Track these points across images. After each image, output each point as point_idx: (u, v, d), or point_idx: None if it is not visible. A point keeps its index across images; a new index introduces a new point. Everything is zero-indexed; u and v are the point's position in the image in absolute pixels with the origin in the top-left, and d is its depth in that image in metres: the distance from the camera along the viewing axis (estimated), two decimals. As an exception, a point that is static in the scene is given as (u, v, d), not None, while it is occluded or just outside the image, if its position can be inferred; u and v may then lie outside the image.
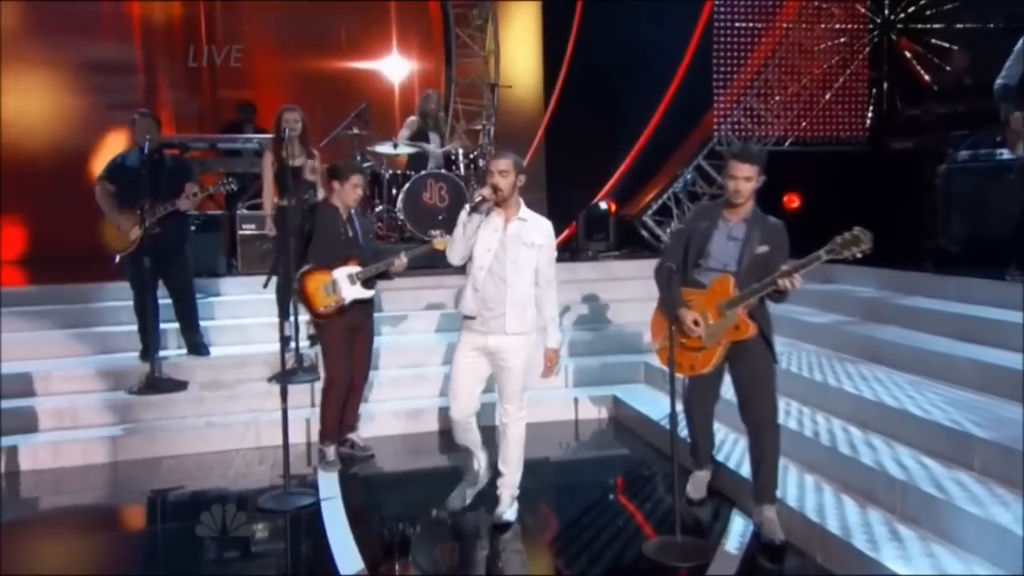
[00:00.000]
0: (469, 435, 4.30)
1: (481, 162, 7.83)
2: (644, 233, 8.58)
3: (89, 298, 6.99)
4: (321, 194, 6.30)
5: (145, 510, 4.89)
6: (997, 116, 6.35)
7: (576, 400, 6.07)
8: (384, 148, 7.74)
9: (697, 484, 4.42)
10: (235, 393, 5.87)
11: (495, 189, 3.91)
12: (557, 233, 4.39)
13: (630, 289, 7.54)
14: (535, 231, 4.03)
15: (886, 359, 5.11)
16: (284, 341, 5.73)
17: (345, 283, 4.90)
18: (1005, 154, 6.18)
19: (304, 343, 6.13)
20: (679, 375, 3.95)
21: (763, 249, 3.83)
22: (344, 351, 5.02)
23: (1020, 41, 5.38)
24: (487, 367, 4.10)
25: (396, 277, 5.15)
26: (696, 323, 3.84)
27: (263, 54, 10.18)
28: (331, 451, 5.05)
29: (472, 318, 4.03)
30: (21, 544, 4.22)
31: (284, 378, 4.68)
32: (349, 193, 4.94)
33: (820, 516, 3.73)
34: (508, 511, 4.14)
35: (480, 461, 4.39)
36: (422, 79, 10.30)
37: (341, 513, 4.36)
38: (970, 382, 4.49)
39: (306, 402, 5.81)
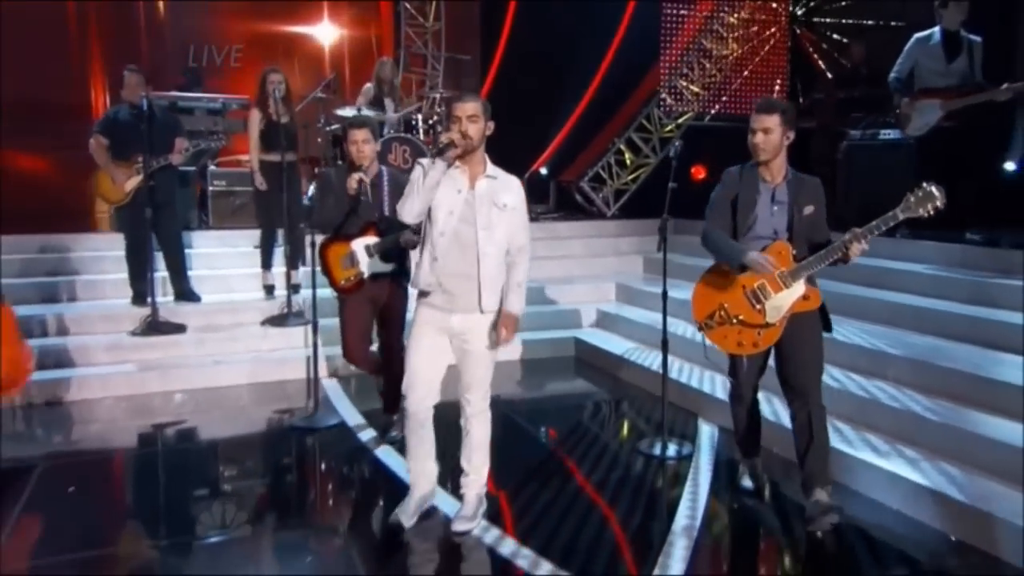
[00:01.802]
0: (423, 437, 3.63)
1: (440, 128, 8.43)
2: (579, 198, 9.44)
3: (63, 248, 7.22)
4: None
5: (193, 430, 5.37)
6: (886, 101, 7.58)
7: (541, 342, 6.87)
8: (347, 112, 8.23)
9: (749, 472, 4.12)
10: (233, 335, 6.36)
11: (464, 136, 3.39)
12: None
13: (573, 247, 8.42)
14: (506, 190, 3.52)
15: (808, 302, 6.17)
16: (293, 288, 6.37)
17: (362, 255, 4.56)
18: (892, 134, 7.40)
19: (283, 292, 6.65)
20: (739, 354, 3.76)
21: (809, 210, 3.64)
22: (361, 331, 4.70)
23: (910, 41, 6.48)
24: (449, 351, 3.59)
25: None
26: (769, 262, 3.58)
27: (199, 15, 10.33)
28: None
29: (428, 293, 3.54)
30: (88, 464, 4.71)
31: (315, 317, 5.17)
32: (352, 152, 4.51)
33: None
34: (472, 518, 3.65)
35: (419, 484, 3.67)
36: (352, 45, 10.77)
37: (369, 428, 5.01)
38: (878, 318, 5.58)
39: (301, 343, 6.35)
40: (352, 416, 5.26)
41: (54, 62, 9.46)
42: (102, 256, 7.09)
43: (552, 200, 9.15)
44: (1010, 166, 7.62)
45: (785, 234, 3.64)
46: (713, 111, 9.34)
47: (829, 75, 9.29)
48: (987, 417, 4.09)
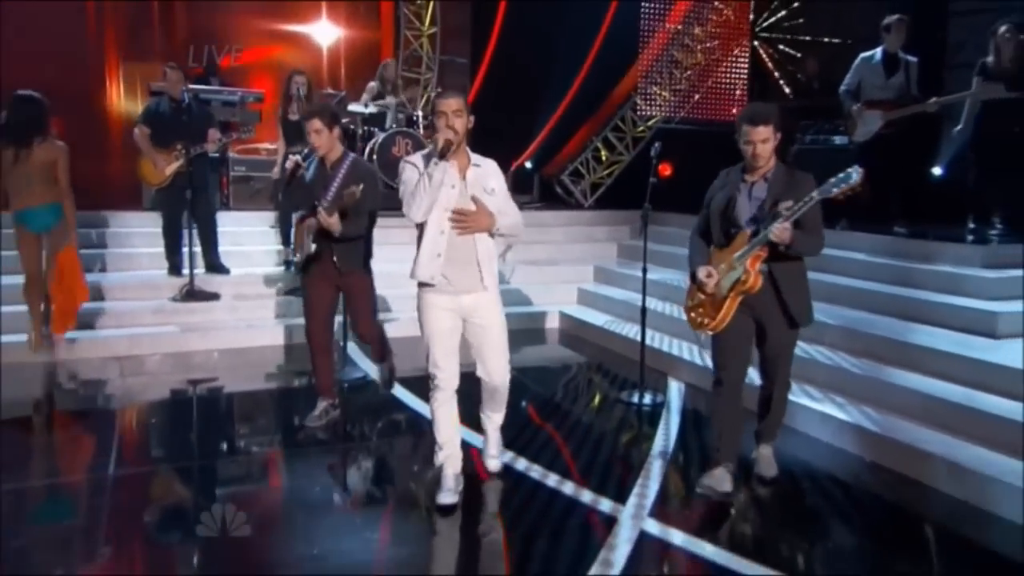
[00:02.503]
0: (451, 410, 3.90)
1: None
2: (559, 190, 10.39)
3: (98, 224, 7.98)
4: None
5: (238, 381, 6.19)
6: (833, 110, 8.62)
7: (529, 315, 7.82)
8: (356, 107, 9.09)
9: (717, 479, 4.06)
10: (262, 303, 7.19)
11: (454, 131, 3.63)
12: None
13: (554, 234, 9.36)
14: (489, 175, 3.80)
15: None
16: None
17: (307, 234, 4.73)
18: (837, 140, 8.46)
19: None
20: (699, 331, 4.07)
21: (787, 204, 3.71)
22: (316, 306, 4.86)
23: (857, 60, 7.52)
24: (460, 327, 3.87)
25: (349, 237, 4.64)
26: (709, 275, 3.90)
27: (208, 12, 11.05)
28: (320, 406, 4.98)
29: (431, 285, 3.77)
30: (153, 403, 5.56)
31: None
32: (310, 140, 4.73)
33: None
34: (497, 456, 4.26)
35: (451, 462, 3.90)
36: (348, 44, 11.60)
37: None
38: (819, 296, 6.53)
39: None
40: (374, 371, 6.14)
41: (75, 54, 10.10)
42: (133, 232, 7.88)
43: (535, 191, 10.09)
44: (937, 171, 8.72)
45: (754, 225, 3.83)
46: (680, 115, 10.33)
47: (784, 85, 10.34)
48: (900, 371, 5.13)
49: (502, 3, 10.93)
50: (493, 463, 4.28)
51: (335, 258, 4.69)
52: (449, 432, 3.91)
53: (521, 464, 4.44)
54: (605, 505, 3.94)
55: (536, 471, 4.35)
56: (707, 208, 4.06)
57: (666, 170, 10.21)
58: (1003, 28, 6.94)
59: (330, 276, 4.77)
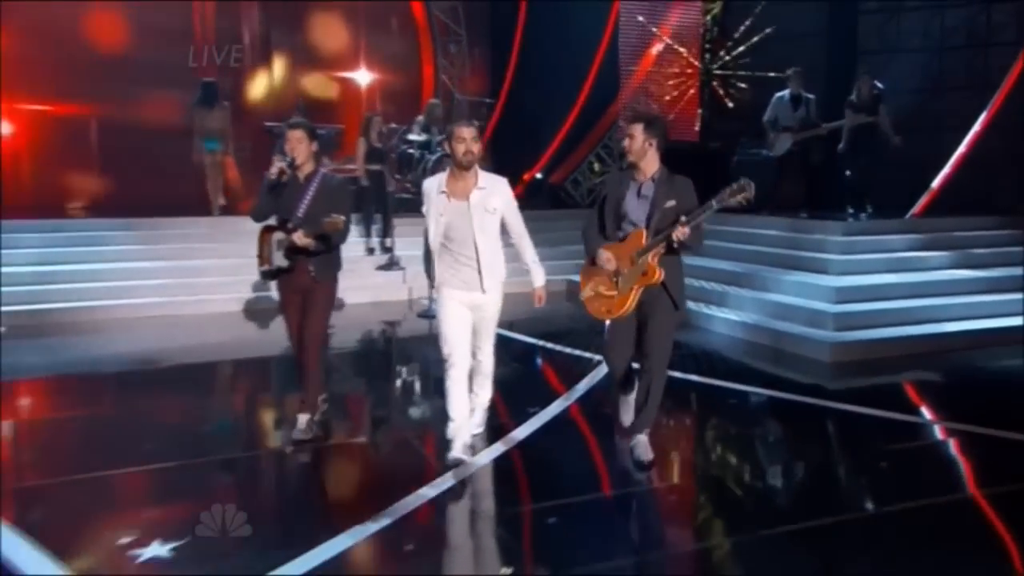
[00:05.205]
0: (464, 387, 4.52)
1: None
2: (563, 194, 13.64)
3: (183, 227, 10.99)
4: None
5: (366, 320, 9.29)
6: (763, 130, 11.70)
7: (546, 282, 10.95)
8: (413, 136, 12.32)
9: (627, 409, 4.74)
10: (360, 276, 10.31)
11: (469, 153, 4.21)
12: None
13: (562, 225, 12.50)
14: (494, 195, 4.36)
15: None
16: (388, 249, 10.37)
17: (275, 247, 4.77)
18: (764, 152, 11.57)
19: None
20: (603, 319, 4.55)
21: (671, 203, 4.10)
22: (289, 319, 4.98)
23: (772, 99, 10.66)
24: (471, 317, 4.50)
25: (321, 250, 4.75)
26: (608, 259, 4.25)
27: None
28: (301, 420, 5.00)
29: (448, 282, 4.42)
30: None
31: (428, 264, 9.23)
32: (288, 150, 4.81)
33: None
34: (481, 424, 4.93)
35: (460, 433, 4.53)
36: (381, 86, 14.53)
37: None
38: (736, 257, 9.76)
39: (399, 280, 10.37)
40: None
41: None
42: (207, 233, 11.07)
43: (545, 195, 13.35)
44: (848, 173, 11.70)
45: (644, 223, 4.26)
46: (654, 135, 13.47)
47: (730, 111, 13.53)
48: (772, 295, 8.35)
49: (514, 51, 14.16)
50: (475, 428, 4.85)
51: (311, 268, 4.77)
52: (461, 408, 4.53)
53: (548, 344, 7.68)
54: (588, 355, 7.21)
55: (552, 345, 7.59)
56: (600, 206, 4.53)
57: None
58: (861, 74, 10.17)
59: (301, 285, 4.85)
